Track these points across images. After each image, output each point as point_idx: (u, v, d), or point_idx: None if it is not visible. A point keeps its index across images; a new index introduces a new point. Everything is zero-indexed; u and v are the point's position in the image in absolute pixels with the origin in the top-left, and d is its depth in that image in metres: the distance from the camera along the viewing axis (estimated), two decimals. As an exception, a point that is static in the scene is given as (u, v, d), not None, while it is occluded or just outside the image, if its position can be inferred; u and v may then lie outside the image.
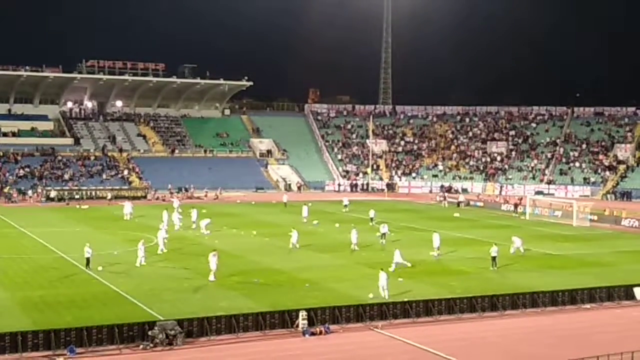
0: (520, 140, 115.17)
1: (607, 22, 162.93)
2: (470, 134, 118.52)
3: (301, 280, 39.27)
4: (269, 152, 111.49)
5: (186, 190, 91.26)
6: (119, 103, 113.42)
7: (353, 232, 50.16)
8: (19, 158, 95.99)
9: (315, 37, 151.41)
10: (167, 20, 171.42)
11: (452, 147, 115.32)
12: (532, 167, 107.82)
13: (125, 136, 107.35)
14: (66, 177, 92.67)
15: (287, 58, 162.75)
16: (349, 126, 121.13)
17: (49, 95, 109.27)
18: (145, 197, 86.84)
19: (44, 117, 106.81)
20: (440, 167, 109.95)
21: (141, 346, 28.20)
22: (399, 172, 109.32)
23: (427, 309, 33.10)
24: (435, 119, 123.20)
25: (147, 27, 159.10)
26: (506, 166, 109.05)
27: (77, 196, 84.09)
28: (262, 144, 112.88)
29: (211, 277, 38.65)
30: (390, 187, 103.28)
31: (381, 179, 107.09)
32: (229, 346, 28.81)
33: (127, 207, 66.95)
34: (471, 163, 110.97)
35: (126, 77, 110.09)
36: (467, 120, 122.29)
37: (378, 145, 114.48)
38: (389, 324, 31.81)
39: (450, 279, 39.99)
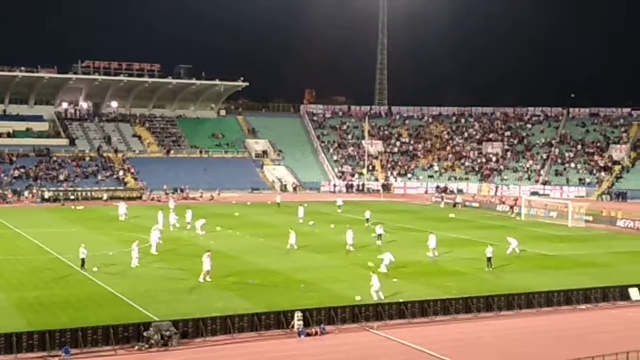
0: (515, 141, 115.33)
1: (603, 22, 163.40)
2: (466, 134, 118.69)
3: (297, 280, 39.24)
4: (265, 152, 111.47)
5: (181, 190, 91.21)
6: (114, 104, 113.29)
7: (348, 232, 50.16)
8: (14, 159, 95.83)
9: (311, 38, 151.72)
10: (162, 21, 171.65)
11: (448, 148, 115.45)
12: (528, 168, 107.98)
13: (121, 137, 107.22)
14: (61, 177, 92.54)
15: (282, 59, 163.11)
16: (345, 127, 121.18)
17: (44, 96, 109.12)
18: (140, 197, 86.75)
19: (39, 118, 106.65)
20: (436, 168, 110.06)
21: (136, 347, 28.16)
22: (395, 172, 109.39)
23: (422, 309, 33.09)
24: (430, 120, 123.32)
25: (142, 28, 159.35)
26: (501, 167, 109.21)
27: (72, 197, 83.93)
28: (257, 145, 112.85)
29: (201, 278, 38.54)
30: (386, 187, 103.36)
31: (377, 179, 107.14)
32: (225, 347, 28.79)
33: (122, 207, 66.97)
34: (467, 164, 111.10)
35: (121, 77, 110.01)
36: (463, 121, 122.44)
37: (374, 146, 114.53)
38: (385, 324, 31.81)
39: (445, 280, 40.01)
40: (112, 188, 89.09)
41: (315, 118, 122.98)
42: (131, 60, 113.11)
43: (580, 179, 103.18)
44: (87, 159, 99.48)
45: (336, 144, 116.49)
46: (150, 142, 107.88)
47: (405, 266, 43.37)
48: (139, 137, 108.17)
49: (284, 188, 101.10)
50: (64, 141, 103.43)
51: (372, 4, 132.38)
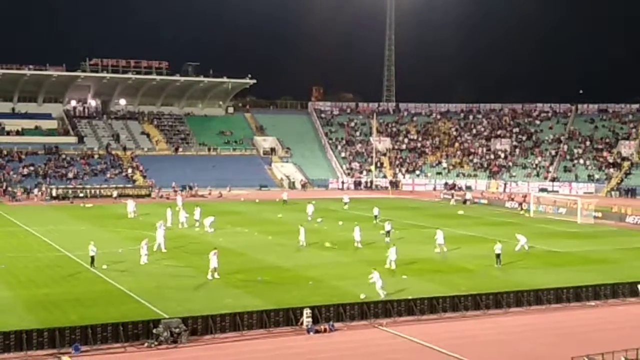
0: (524, 138, 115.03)
1: (613, 18, 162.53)
2: (474, 131, 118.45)
3: (305, 277, 39.28)
4: (273, 150, 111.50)
5: (190, 188, 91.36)
6: (122, 101, 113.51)
7: (356, 229, 50.19)
8: (23, 157, 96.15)
9: (318, 34, 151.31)
10: (170, 19, 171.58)
11: (456, 145, 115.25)
12: (536, 165, 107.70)
13: (129, 134, 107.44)
14: (70, 175, 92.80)
15: (290, 56, 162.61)
16: (353, 124, 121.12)
17: (53, 94, 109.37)
18: (149, 195, 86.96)
19: (47, 116, 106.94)
20: (444, 165, 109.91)
21: (146, 344, 28.23)
22: (403, 169, 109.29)
23: (431, 306, 33.06)
24: (438, 117, 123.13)
25: (150, 26, 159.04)
26: (510, 163, 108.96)
27: (81, 194, 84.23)
28: (265, 142, 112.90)
29: (209, 276, 38.61)
30: (394, 184, 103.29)
31: (385, 176, 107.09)
32: (234, 344, 28.83)
33: (130, 205, 67.12)
34: (475, 160, 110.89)
35: (130, 75, 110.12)
36: (471, 117, 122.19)
37: (382, 143, 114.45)
38: (394, 321, 31.79)
39: (454, 277, 39.98)
40: (121, 186, 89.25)
41: (323, 115, 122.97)
42: (139, 58, 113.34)
43: (589, 176, 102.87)
44: (96, 156, 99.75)
45: (344, 141, 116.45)
46: (158, 139, 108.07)
47: (415, 263, 43.39)
48: (148, 135, 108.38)
49: (292, 185, 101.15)
50: (73, 139, 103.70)
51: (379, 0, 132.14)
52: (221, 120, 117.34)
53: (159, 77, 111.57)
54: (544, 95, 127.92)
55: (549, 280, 38.52)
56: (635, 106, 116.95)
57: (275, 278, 39.33)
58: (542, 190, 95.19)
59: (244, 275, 39.91)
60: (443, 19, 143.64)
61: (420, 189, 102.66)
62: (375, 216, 63.76)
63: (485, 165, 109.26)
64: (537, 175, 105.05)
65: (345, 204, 75.85)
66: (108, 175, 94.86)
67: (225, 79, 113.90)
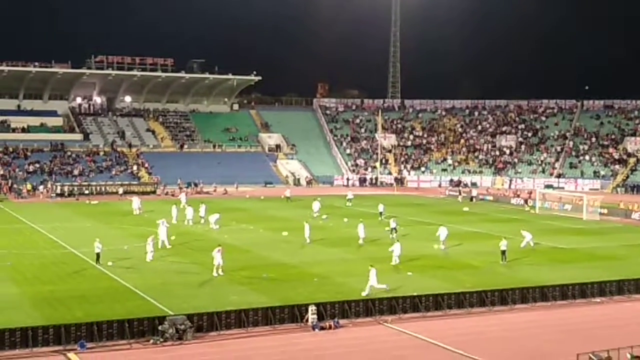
0: (529, 134, 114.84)
1: (617, 14, 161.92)
2: (479, 127, 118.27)
3: (310, 274, 39.30)
4: (278, 146, 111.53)
5: (195, 185, 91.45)
6: (127, 98, 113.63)
7: (360, 226, 50.15)
8: (28, 154, 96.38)
9: (323, 31, 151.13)
10: (175, 16, 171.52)
11: (461, 141, 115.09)
12: (542, 161, 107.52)
13: (134, 131, 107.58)
14: (75, 172, 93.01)
15: (295, 53, 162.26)
16: (358, 120, 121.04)
17: (58, 91, 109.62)
18: (154, 192, 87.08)
19: (53, 113, 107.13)
20: (450, 161, 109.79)
21: (151, 341, 28.27)
22: (408, 166, 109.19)
23: (436, 303, 33.03)
24: (444, 113, 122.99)
25: (155, 22, 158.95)
26: (515, 160, 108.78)
27: (86, 191, 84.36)
28: (270, 139, 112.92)
29: (214, 273, 38.64)
30: (399, 181, 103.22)
31: (390, 173, 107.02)
32: (239, 341, 28.85)
33: (136, 202, 67.22)
34: (480, 157, 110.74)
35: (135, 72, 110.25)
36: (476, 114, 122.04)
37: (387, 140, 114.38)
38: (399, 318, 31.77)
39: (459, 273, 39.93)
40: (126, 183, 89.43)
41: (328, 112, 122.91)
42: (144, 55, 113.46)
43: (594, 172, 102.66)
44: (101, 153, 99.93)
45: (349, 138, 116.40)
46: (163, 136, 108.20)
47: (419, 259, 43.37)
48: (153, 132, 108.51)
49: (297, 182, 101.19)
50: (78, 136, 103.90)
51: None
52: (226, 117, 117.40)
53: (164, 74, 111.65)
54: (549, 91, 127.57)
55: (554, 277, 38.44)
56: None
57: (281, 275, 39.34)
58: (548, 186, 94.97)
59: (249, 272, 39.92)
60: (448, 15, 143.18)
61: (425, 186, 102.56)
62: (381, 213, 63.70)
63: (491, 162, 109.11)
64: (543, 171, 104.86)
65: (349, 200, 75.80)
66: (113, 172, 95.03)
67: (230, 76, 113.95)
